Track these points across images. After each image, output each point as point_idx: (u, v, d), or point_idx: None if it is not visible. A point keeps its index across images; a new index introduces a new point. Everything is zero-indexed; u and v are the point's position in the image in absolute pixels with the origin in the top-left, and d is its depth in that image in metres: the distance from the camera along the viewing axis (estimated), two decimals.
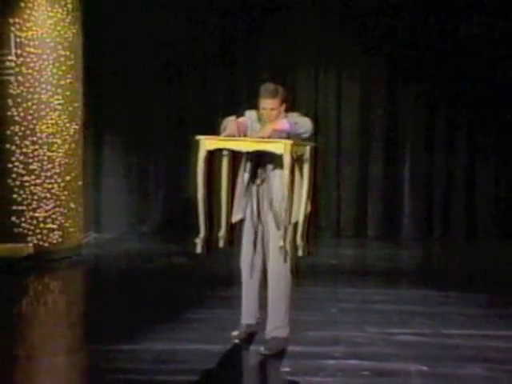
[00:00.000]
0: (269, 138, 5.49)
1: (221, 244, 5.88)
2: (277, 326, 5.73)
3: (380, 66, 10.61)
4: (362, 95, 10.70)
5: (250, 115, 5.85)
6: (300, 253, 5.69)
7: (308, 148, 5.65)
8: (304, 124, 5.59)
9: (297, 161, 5.57)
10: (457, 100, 10.56)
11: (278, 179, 5.60)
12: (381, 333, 6.28)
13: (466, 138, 10.68)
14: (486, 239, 10.34)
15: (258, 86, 5.81)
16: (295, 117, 5.68)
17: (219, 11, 10.35)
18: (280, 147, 5.39)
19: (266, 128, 5.57)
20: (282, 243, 5.48)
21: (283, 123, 5.54)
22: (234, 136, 5.55)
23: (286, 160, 5.38)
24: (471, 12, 10.29)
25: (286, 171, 5.39)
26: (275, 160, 5.53)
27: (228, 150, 5.69)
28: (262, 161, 5.64)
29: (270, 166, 5.63)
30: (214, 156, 5.65)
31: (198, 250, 5.66)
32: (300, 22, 10.45)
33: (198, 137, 5.58)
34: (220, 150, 5.69)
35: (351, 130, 10.75)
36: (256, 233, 5.78)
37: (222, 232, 5.85)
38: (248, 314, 5.93)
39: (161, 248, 9.82)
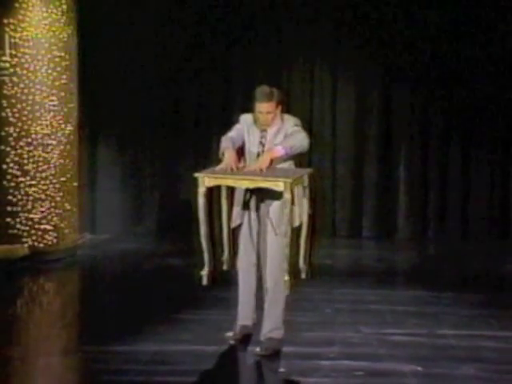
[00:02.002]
0: (268, 165, 5.51)
1: (225, 267, 5.96)
2: (273, 327, 5.75)
3: (375, 67, 10.60)
4: (357, 96, 10.69)
5: (246, 119, 5.85)
6: (303, 276, 5.81)
7: (306, 177, 5.73)
8: (300, 143, 5.62)
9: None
10: (452, 100, 10.55)
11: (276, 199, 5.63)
12: (375, 333, 6.29)
13: (461, 138, 10.67)
14: (481, 240, 10.35)
15: (253, 87, 5.82)
16: (291, 125, 5.69)
17: (215, 13, 10.35)
18: (280, 186, 5.42)
19: (264, 158, 5.57)
20: (286, 278, 5.55)
21: (279, 150, 5.58)
22: (231, 169, 5.55)
23: (287, 198, 5.41)
24: (470, 14, 10.29)
25: (287, 210, 5.43)
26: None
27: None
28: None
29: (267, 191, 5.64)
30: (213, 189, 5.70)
31: (204, 282, 5.78)
32: (295, 24, 10.44)
33: (197, 174, 5.57)
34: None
35: (346, 130, 10.74)
36: (253, 235, 5.80)
37: (225, 256, 5.93)
38: (244, 315, 5.95)
39: (156, 249, 9.81)
